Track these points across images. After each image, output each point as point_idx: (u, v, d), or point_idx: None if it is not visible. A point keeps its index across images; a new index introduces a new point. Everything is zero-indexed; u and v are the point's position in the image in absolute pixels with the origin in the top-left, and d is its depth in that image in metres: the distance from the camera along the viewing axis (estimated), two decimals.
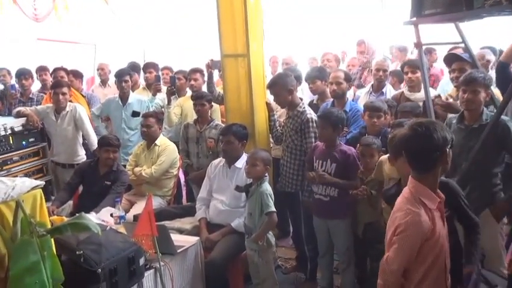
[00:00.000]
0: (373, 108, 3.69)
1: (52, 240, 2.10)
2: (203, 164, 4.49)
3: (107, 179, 4.24)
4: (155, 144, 4.60)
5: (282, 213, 3.79)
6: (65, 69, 5.97)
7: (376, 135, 3.57)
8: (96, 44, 8.98)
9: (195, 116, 4.70)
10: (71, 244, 2.49)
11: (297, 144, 3.84)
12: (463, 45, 3.60)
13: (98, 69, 6.92)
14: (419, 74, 4.07)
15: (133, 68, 6.19)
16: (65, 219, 3.26)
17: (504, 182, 3.18)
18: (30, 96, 5.68)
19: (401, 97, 4.32)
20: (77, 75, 6.06)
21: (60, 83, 5.07)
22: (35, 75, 6.02)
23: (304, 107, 3.85)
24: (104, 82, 6.77)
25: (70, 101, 4.98)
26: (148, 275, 2.84)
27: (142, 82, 6.33)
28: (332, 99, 4.30)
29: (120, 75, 5.21)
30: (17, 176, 4.28)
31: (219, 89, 4.70)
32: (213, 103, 4.76)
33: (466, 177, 3.02)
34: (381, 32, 8.73)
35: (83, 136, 4.98)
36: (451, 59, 3.92)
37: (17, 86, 5.78)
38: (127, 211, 4.10)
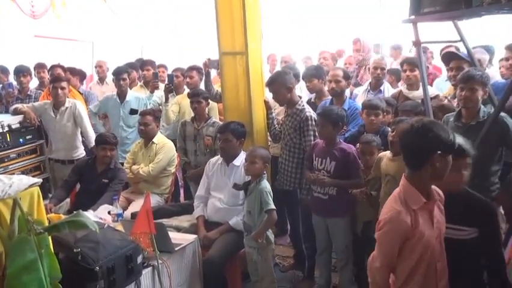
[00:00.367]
0: (371, 106, 3.69)
1: (50, 238, 2.10)
2: (201, 162, 4.48)
3: (105, 177, 4.22)
4: (153, 142, 4.60)
5: (280, 211, 3.78)
6: (62, 67, 5.94)
7: (375, 133, 3.57)
8: (94, 41, 8.96)
9: (192, 114, 4.69)
10: (69, 242, 2.49)
11: (295, 142, 3.83)
12: (460, 43, 3.60)
13: (96, 67, 6.92)
14: (417, 72, 4.07)
15: (131, 65, 6.17)
16: (63, 217, 3.26)
17: (502, 181, 3.18)
18: (29, 93, 5.65)
19: (400, 95, 4.32)
20: (74, 72, 6.05)
21: (60, 77, 5.06)
22: (33, 73, 5.99)
23: (303, 105, 3.85)
24: (102, 80, 6.77)
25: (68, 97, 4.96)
26: (146, 273, 2.83)
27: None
28: (329, 98, 4.30)
29: (118, 73, 5.19)
30: (14, 173, 4.26)
31: (216, 87, 4.69)
32: (211, 101, 4.75)
33: None
34: (379, 31, 8.75)
35: (81, 133, 4.96)
36: (448, 57, 3.92)
37: (15, 83, 5.76)
38: (124, 209, 4.10)
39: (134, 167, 4.58)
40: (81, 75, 6.36)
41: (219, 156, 3.96)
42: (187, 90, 5.19)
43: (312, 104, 4.36)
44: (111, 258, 2.53)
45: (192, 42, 9.45)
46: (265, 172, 3.44)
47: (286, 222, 4.47)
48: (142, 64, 6.17)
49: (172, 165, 4.69)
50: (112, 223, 3.37)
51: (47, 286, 1.98)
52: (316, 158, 3.54)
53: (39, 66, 6.13)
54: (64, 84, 4.84)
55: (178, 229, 3.70)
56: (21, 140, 4.71)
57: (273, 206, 3.31)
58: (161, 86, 5.34)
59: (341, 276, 3.61)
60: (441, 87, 4.72)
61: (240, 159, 3.75)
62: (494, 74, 4.84)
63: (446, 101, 3.87)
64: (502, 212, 3.40)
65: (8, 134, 4.56)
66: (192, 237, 3.37)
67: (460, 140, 2.17)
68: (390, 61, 6.80)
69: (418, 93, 4.04)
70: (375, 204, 3.23)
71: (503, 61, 4.74)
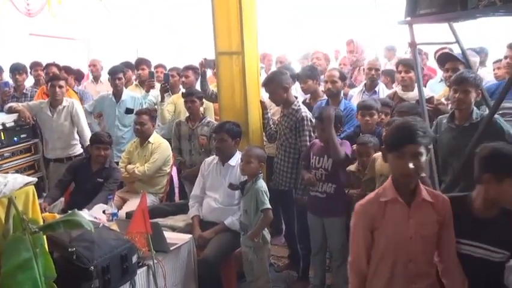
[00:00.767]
0: (365, 107, 3.72)
1: (44, 237, 2.09)
2: (196, 162, 4.49)
3: (100, 176, 4.21)
4: (149, 142, 4.59)
5: (275, 211, 3.79)
6: (57, 65, 5.92)
7: (370, 133, 3.58)
8: (89, 40, 8.93)
9: (187, 114, 4.69)
10: (64, 241, 2.48)
11: (291, 143, 3.84)
12: (455, 45, 3.61)
13: (89, 66, 6.89)
14: (412, 74, 4.08)
15: (127, 65, 6.15)
16: (57, 216, 3.26)
17: None
18: (24, 91, 5.63)
19: (394, 96, 4.34)
20: (69, 71, 6.02)
21: (58, 76, 5.04)
22: (28, 71, 5.97)
23: (299, 105, 3.85)
24: (96, 78, 6.74)
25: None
26: (141, 272, 2.82)
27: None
28: (324, 98, 4.31)
29: (113, 73, 5.18)
30: (8, 172, 4.25)
31: (212, 87, 4.69)
32: (206, 101, 4.74)
33: (458, 176, 3.04)
34: (374, 31, 8.78)
35: (77, 132, 4.94)
36: (444, 58, 3.94)
37: (10, 81, 5.73)
38: (119, 208, 4.08)
39: (130, 166, 4.57)
40: (77, 75, 6.33)
41: (215, 156, 3.96)
42: (182, 90, 5.19)
43: (307, 104, 4.37)
44: (106, 257, 2.53)
45: (187, 41, 9.45)
46: (261, 172, 3.45)
47: (281, 222, 4.48)
48: (137, 63, 6.16)
49: (168, 165, 4.68)
50: (107, 222, 3.37)
51: (41, 285, 1.97)
52: (314, 157, 3.55)
53: (35, 65, 6.11)
54: (62, 82, 4.82)
55: (173, 229, 3.70)
56: (15, 138, 4.69)
57: (268, 205, 3.32)
58: (158, 85, 5.33)
59: (335, 276, 3.61)
60: (435, 88, 4.74)
61: (236, 159, 3.75)
62: (486, 75, 4.87)
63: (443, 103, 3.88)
64: None
65: (2, 133, 4.55)
66: (187, 236, 3.37)
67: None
68: (385, 62, 6.83)
69: (413, 94, 4.06)
70: None
71: (503, 60, 4.74)
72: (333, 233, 3.52)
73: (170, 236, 3.26)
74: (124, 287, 2.68)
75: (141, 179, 4.54)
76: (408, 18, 3.05)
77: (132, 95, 5.30)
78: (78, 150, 4.95)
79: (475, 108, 3.15)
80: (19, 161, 4.72)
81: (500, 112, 3.21)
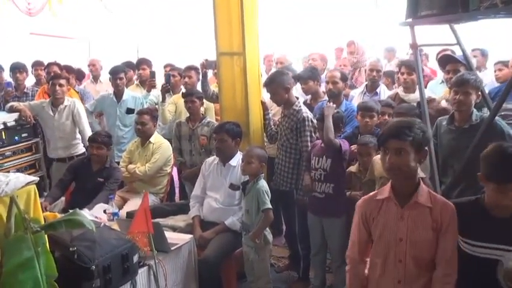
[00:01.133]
0: (365, 108, 3.73)
1: (46, 236, 2.10)
2: (196, 162, 4.49)
3: (100, 176, 4.21)
4: (150, 142, 4.58)
5: (276, 211, 3.80)
6: (58, 65, 5.92)
7: (369, 135, 3.59)
8: (90, 39, 8.93)
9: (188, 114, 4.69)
10: (65, 240, 2.48)
11: (292, 143, 3.84)
12: (456, 46, 3.61)
13: (89, 65, 6.89)
14: (414, 76, 4.08)
15: (128, 64, 6.15)
16: (58, 215, 3.26)
17: None
18: (25, 90, 5.64)
19: (396, 98, 4.34)
20: (70, 71, 6.02)
21: (59, 74, 5.05)
22: (30, 70, 5.97)
23: (300, 106, 3.86)
24: (95, 78, 6.73)
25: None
26: (142, 272, 2.83)
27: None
28: (325, 99, 4.31)
29: (115, 73, 5.18)
30: (9, 171, 4.25)
31: (213, 87, 4.69)
32: (207, 102, 4.74)
33: (458, 177, 3.04)
34: (375, 31, 8.78)
35: (79, 132, 4.94)
36: (445, 60, 3.94)
37: (12, 81, 5.73)
38: (120, 208, 4.08)
39: (131, 166, 4.56)
40: (78, 74, 6.33)
41: (215, 156, 3.96)
42: (183, 90, 5.19)
43: (307, 105, 4.37)
44: (107, 257, 2.53)
45: (187, 40, 9.44)
46: (262, 172, 3.45)
47: (281, 223, 4.48)
48: (138, 63, 6.16)
49: (168, 165, 4.68)
50: (108, 222, 3.37)
51: (43, 284, 1.97)
52: (314, 158, 3.56)
53: (37, 64, 6.12)
54: (63, 81, 4.82)
55: (174, 229, 3.70)
56: (16, 137, 4.70)
57: (269, 206, 3.33)
58: (158, 85, 5.33)
59: (335, 276, 3.62)
60: (435, 89, 4.74)
61: (237, 160, 3.75)
62: (486, 77, 4.88)
63: (445, 104, 3.87)
64: None
65: (3, 132, 4.55)
66: (187, 237, 3.37)
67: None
68: (385, 63, 6.83)
69: (414, 96, 4.06)
70: None
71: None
72: (332, 234, 3.53)
73: (171, 236, 3.26)
74: (124, 287, 2.68)
75: (142, 179, 4.54)
76: (410, 20, 3.05)
77: (133, 94, 5.30)
78: (80, 149, 4.95)
79: (474, 110, 3.16)
80: (20, 160, 4.73)
81: (501, 113, 3.22)
